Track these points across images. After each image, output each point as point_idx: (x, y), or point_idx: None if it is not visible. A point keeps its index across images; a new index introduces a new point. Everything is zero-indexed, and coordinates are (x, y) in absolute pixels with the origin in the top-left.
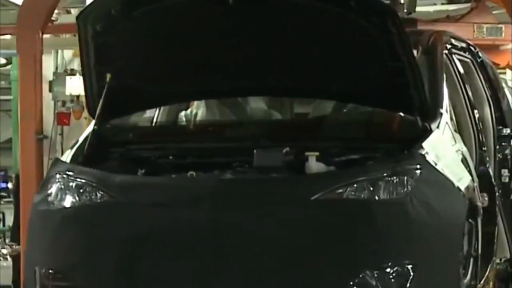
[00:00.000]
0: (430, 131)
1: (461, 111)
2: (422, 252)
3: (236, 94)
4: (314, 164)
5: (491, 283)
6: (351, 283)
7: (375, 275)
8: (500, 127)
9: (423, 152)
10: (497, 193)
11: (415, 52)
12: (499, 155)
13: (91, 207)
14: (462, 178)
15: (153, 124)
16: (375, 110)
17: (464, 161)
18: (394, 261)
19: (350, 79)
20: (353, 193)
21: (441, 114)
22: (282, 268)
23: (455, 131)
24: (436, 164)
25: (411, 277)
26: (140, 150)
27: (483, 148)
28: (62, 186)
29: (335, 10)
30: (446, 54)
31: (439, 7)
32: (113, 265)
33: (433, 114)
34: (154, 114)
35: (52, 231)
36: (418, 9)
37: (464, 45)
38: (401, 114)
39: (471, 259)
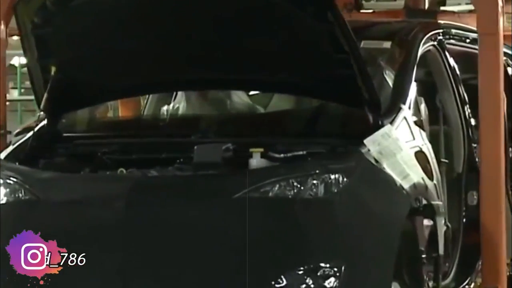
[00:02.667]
0: (380, 126)
1: (449, 105)
2: (352, 253)
3: (183, 87)
4: (257, 161)
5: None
6: (273, 282)
7: (299, 277)
8: None
9: (364, 149)
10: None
11: (389, 44)
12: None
13: (15, 205)
14: (407, 176)
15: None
16: (328, 104)
17: (420, 158)
18: (320, 262)
19: (297, 72)
20: (279, 191)
21: (400, 108)
22: (200, 268)
23: (419, 126)
24: (377, 162)
25: (338, 279)
26: (87, 146)
27: (474, 145)
28: None
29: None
30: (434, 46)
31: (464, 7)
32: None
33: (390, 108)
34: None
35: None
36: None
37: (475, 36)
38: (351, 108)
39: (431, 261)
